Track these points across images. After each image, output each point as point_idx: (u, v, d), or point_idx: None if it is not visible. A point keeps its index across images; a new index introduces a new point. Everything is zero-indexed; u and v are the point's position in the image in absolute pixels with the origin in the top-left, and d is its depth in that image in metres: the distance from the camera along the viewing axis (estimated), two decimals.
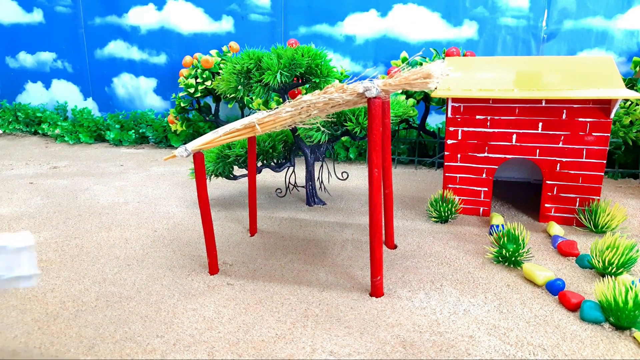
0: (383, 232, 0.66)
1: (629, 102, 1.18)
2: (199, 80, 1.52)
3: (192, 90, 1.52)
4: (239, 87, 0.88)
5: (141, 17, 1.71)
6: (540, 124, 0.84)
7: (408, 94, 1.38)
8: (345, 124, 0.86)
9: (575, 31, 1.37)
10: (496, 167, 0.88)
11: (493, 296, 0.61)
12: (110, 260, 0.74)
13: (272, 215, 0.95)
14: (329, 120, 0.87)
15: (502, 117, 0.86)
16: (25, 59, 1.84)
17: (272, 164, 1.02)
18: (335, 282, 0.65)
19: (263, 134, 0.75)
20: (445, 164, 0.92)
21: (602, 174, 0.83)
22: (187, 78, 1.53)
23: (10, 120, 1.88)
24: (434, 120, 1.52)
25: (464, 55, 1.39)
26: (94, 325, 0.55)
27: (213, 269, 0.68)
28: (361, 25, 1.53)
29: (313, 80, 0.89)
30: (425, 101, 1.40)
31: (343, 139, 1.39)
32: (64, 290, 0.64)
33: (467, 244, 0.79)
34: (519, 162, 1.10)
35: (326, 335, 0.52)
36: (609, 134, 0.81)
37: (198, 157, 0.60)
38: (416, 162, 1.43)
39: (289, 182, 1.11)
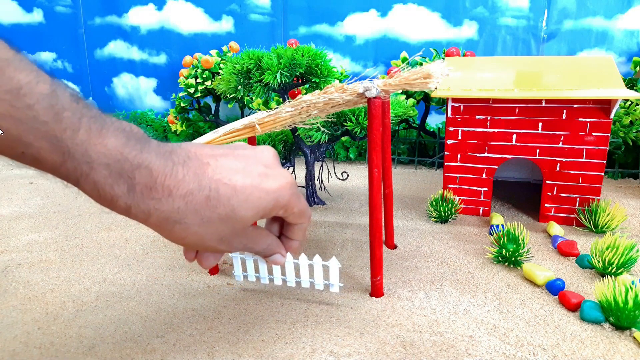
0: (383, 232, 0.66)
1: (629, 102, 1.18)
2: (199, 80, 1.52)
3: (192, 90, 1.52)
4: (239, 87, 0.88)
5: (141, 17, 1.71)
6: (540, 124, 0.84)
7: (408, 94, 1.38)
8: (345, 124, 0.86)
9: (575, 31, 1.37)
10: (496, 167, 0.88)
11: (493, 296, 0.61)
12: (110, 260, 0.74)
13: None
14: (329, 120, 0.87)
15: (502, 117, 0.86)
16: None
17: None
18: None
19: (263, 134, 0.75)
20: (445, 164, 0.92)
21: (602, 174, 0.83)
22: (187, 78, 1.53)
23: None
24: (434, 120, 1.52)
25: (464, 55, 1.39)
26: (94, 325, 0.55)
27: (213, 269, 0.68)
28: (361, 25, 1.53)
29: (313, 80, 0.89)
30: (425, 101, 1.40)
31: (343, 139, 1.39)
32: (64, 290, 0.64)
33: (467, 244, 0.79)
34: (519, 162, 1.10)
35: (326, 335, 0.52)
36: (609, 134, 0.81)
37: None
38: (416, 162, 1.43)
39: None
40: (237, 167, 0.39)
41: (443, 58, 1.31)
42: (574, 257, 0.72)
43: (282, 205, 0.41)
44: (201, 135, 0.72)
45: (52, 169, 0.34)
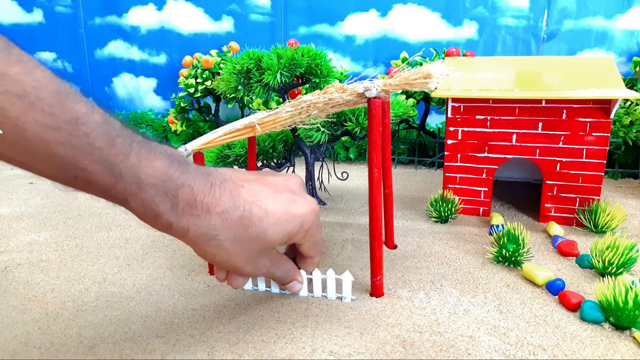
0: (383, 232, 0.66)
1: (629, 102, 1.18)
2: (199, 80, 1.52)
3: (192, 90, 1.52)
4: (239, 87, 0.88)
5: (141, 17, 1.71)
6: (540, 124, 0.84)
7: (408, 94, 1.38)
8: (345, 124, 0.86)
9: (575, 31, 1.37)
10: (496, 167, 0.88)
11: (493, 296, 0.61)
12: (110, 260, 0.74)
13: None
14: (329, 120, 0.87)
15: (502, 117, 0.86)
16: None
17: (272, 163, 1.02)
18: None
19: (263, 134, 0.75)
20: (445, 164, 0.92)
21: (602, 174, 0.83)
22: (187, 78, 1.53)
23: None
24: (434, 120, 1.52)
25: (464, 55, 1.39)
26: (94, 325, 0.55)
27: (213, 269, 0.68)
28: (361, 25, 1.53)
29: (313, 80, 0.89)
30: (425, 101, 1.40)
31: (343, 139, 1.39)
32: (64, 290, 0.64)
33: (467, 244, 0.79)
34: (519, 162, 1.10)
35: (326, 335, 0.52)
36: (609, 134, 0.81)
37: (198, 157, 0.60)
38: (416, 162, 1.43)
39: None
40: (267, 192, 0.43)
41: (443, 58, 1.31)
42: (574, 257, 0.72)
43: (305, 230, 0.45)
44: (201, 135, 0.72)
45: (103, 191, 0.36)
